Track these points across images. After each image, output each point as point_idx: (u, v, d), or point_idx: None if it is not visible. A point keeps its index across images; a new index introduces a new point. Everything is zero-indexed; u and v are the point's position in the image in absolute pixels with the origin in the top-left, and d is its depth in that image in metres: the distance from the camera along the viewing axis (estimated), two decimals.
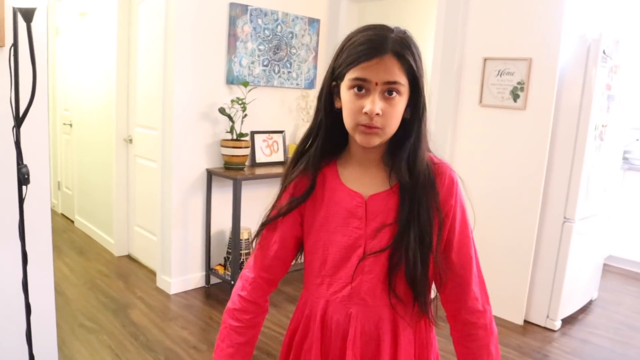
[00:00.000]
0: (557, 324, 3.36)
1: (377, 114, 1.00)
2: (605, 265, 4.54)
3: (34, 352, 1.98)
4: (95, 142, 4.56)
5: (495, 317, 3.45)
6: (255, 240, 1.21)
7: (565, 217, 3.25)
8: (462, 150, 3.57)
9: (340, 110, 1.08)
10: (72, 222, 5.11)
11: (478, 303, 1.11)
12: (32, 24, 1.78)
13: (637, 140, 4.99)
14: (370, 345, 1.09)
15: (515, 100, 3.25)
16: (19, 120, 1.88)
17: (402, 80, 1.01)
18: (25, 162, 1.90)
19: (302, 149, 1.16)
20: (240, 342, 1.17)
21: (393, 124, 1.03)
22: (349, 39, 1.05)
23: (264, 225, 1.18)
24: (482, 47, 3.41)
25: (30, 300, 1.94)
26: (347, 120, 1.05)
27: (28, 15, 1.75)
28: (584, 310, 3.73)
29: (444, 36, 3.52)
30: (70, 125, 4.96)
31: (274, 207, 1.17)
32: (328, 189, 1.13)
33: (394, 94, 1.01)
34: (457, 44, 3.50)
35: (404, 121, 1.07)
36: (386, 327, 1.09)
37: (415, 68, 1.03)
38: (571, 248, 3.24)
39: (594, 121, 3.16)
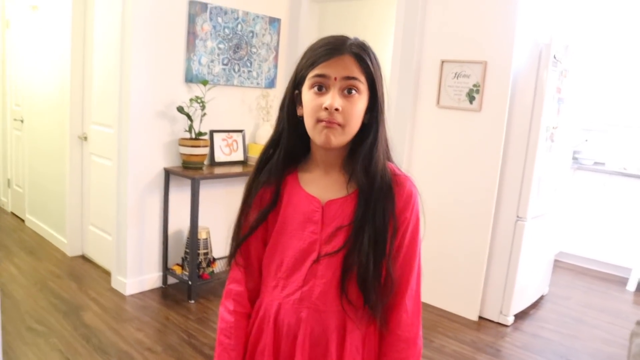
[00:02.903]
0: (510, 319, 3.47)
1: (337, 110, 1.02)
2: (556, 261, 4.72)
3: None
4: (48, 138, 4.42)
5: (450, 314, 3.55)
6: (232, 259, 1.21)
7: (517, 216, 3.35)
8: (420, 150, 3.64)
9: (302, 119, 1.10)
10: (23, 220, 4.94)
11: (407, 315, 1.13)
12: None
13: (586, 141, 5.20)
14: (318, 349, 1.10)
15: (471, 102, 3.34)
16: None
17: (361, 78, 1.05)
18: None
19: (265, 158, 1.17)
20: (238, 358, 1.18)
21: (353, 123, 1.05)
22: (310, 47, 1.10)
23: (240, 243, 1.18)
24: (439, 49, 3.48)
25: None
26: (308, 120, 1.07)
27: None
28: (535, 305, 3.86)
29: (402, 38, 3.57)
30: (22, 121, 4.80)
31: (240, 223, 1.18)
32: (287, 194, 1.15)
33: (353, 92, 1.04)
34: (416, 45, 3.56)
35: (363, 126, 1.09)
36: (335, 332, 1.10)
37: (372, 70, 1.06)
38: (523, 246, 3.35)
39: (545, 123, 3.27)
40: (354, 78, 1.04)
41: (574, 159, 4.94)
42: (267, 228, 1.17)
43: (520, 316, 3.61)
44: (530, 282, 3.63)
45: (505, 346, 3.19)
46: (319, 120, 1.05)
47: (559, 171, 3.76)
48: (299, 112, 1.12)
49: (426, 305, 3.65)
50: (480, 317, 3.53)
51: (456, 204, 3.48)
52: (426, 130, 3.60)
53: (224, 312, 1.21)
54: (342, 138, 1.06)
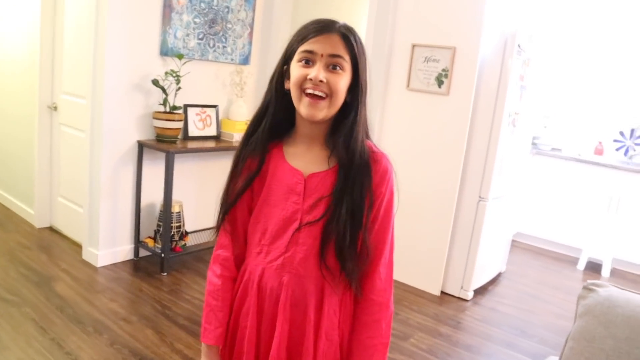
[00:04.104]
0: (470, 294, 3.67)
1: (321, 81, 1.11)
2: (513, 241, 4.96)
3: None
4: (14, 108, 4.33)
5: (415, 289, 3.71)
6: (219, 225, 1.28)
7: (480, 196, 3.53)
8: (389, 131, 3.76)
9: (289, 92, 1.18)
10: None
11: (380, 281, 1.22)
12: None
13: (545, 127, 5.43)
14: (298, 310, 1.20)
15: (439, 86, 3.47)
16: None
17: (345, 57, 1.14)
18: None
19: (252, 130, 1.25)
20: (225, 319, 1.26)
21: (336, 96, 1.14)
22: (302, 25, 1.18)
23: (228, 209, 1.25)
24: (411, 33, 3.59)
25: None
26: (294, 91, 1.15)
27: None
28: (493, 282, 4.08)
29: (375, 21, 3.66)
30: None
31: (228, 191, 1.26)
32: (272, 166, 1.23)
33: (338, 68, 1.14)
34: (388, 29, 3.65)
35: (345, 105, 1.18)
36: (314, 295, 1.20)
37: (356, 51, 1.16)
38: (484, 225, 3.54)
39: (508, 109, 3.44)
40: (338, 56, 1.13)
41: (533, 144, 5.17)
42: (253, 197, 1.25)
43: (480, 292, 3.82)
44: (489, 260, 3.84)
45: (465, 319, 3.38)
46: (303, 91, 1.13)
47: (519, 155, 3.95)
48: (286, 86, 1.20)
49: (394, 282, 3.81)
50: (442, 292, 3.72)
51: (422, 184, 3.63)
52: (396, 112, 3.73)
53: (212, 275, 1.29)
54: (326, 111, 1.14)
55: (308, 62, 1.14)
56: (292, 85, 1.16)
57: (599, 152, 5.08)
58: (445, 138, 3.51)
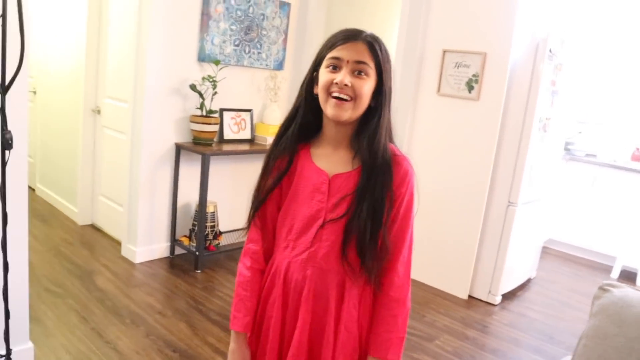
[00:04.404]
0: (498, 299, 3.68)
1: (346, 85, 1.20)
2: (544, 247, 4.93)
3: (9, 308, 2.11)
4: (61, 110, 4.57)
5: (442, 292, 3.74)
6: (250, 220, 1.37)
7: (509, 201, 3.54)
8: (419, 135, 3.81)
9: (317, 97, 1.27)
10: (33, 190, 5.11)
11: (398, 278, 1.29)
12: None
13: (580, 133, 5.37)
14: (320, 302, 1.28)
15: (469, 91, 3.50)
16: (4, 88, 1.97)
17: (370, 64, 1.22)
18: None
19: (283, 132, 1.35)
20: (253, 308, 1.35)
21: (360, 99, 1.22)
22: (331, 35, 1.27)
23: (259, 205, 1.35)
24: (442, 39, 3.64)
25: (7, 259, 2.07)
26: (321, 94, 1.24)
27: None
28: (522, 287, 4.08)
29: (407, 26, 3.73)
30: (34, 92, 4.94)
31: (259, 189, 1.35)
32: (300, 166, 1.32)
33: (362, 74, 1.22)
34: (420, 34, 3.71)
35: (370, 109, 1.26)
36: (335, 289, 1.28)
37: (381, 59, 1.23)
38: (513, 230, 3.55)
39: (538, 114, 3.44)
40: (363, 62, 1.21)
41: (567, 150, 5.13)
42: (282, 195, 1.34)
43: (508, 297, 3.82)
44: (518, 265, 3.84)
45: (492, 323, 3.40)
46: (330, 94, 1.22)
47: (551, 160, 3.94)
48: (315, 91, 1.28)
49: (419, 283, 3.86)
50: (469, 296, 3.74)
51: (451, 187, 3.66)
52: (426, 117, 3.78)
53: (242, 268, 1.38)
54: (350, 113, 1.23)
55: (335, 67, 1.22)
56: (319, 88, 1.25)
57: (636, 158, 4.99)
58: (475, 142, 3.54)
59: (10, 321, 2.12)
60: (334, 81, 1.21)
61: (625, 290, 1.39)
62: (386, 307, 1.29)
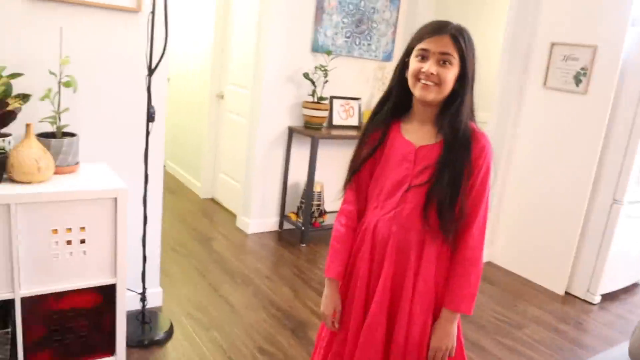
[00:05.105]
0: (597, 299, 3.61)
1: (432, 74, 1.39)
2: None
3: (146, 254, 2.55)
4: (189, 95, 5.12)
5: (538, 285, 3.77)
6: (347, 184, 1.60)
7: (614, 199, 3.46)
8: (525, 127, 3.82)
9: (407, 80, 1.47)
10: (164, 166, 5.75)
11: (473, 240, 1.45)
12: None
13: None
14: (402, 255, 1.48)
15: (577, 85, 3.47)
16: (151, 71, 2.38)
17: (454, 54, 1.40)
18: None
19: (378, 109, 1.57)
20: (345, 260, 1.59)
21: (444, 85, 1.40)
22: (420, 27, 1.46)
23: (355, 171, 1.57)
24: (550, 32, 3.63)
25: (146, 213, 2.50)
26: (410, 79, 1.44)
27: None
28: (627, 290, 3.93)
29: (515, 18, 3.74)
30: (168, 79, 5.54)
31: (357, 157, 1.57)
32: (391, 138, 1.53)
33: (447, 64, 1.40)
34: (528, 27, 3.72)
35: (453, 92, 1.44)
36: (415, 244, 1.46)
37: (464, 49, 1.40)
38: (617, 228, 3.46)
39: None
40: (448, 53, 1.39)
41: None
42: (374, 163, 1.56)
43: (609, 297, 3.72)
44: (622, 266, 3.72)
45: (587, 321, 3.36)
46: (418, 80, 1.42)
47: None
48: (406, 75, 1.48)
49: (514, 275, 3.89)
50: (566, 292, 3.70)
51: (554, 181, 3.65)
52: (531, 109, 3.78)
53: (338, 224, 1.61)
54: (435, 95, 1.41)
55: (423, 58, 1.42)
56: (409, 74, 1.45)
57: None
58: (580, 136, 3.49)
59: (146, 265, 2.56)
60: (422, 70, 1.40)
61: None
62: (461, 265, 1.46)
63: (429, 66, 1.39)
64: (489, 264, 4.04)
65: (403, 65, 1.50)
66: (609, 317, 3.46)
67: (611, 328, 3.30)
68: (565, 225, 3.61)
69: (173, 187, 5.15)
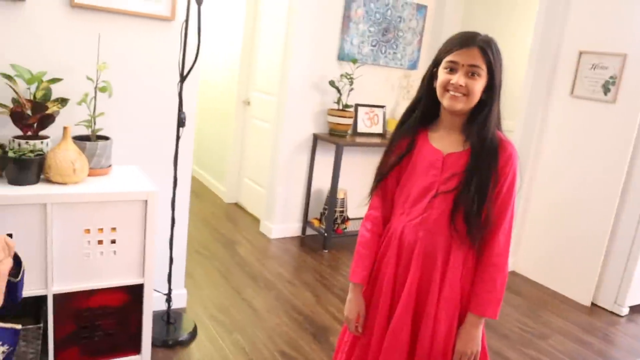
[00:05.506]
0: (625, 310, 3.55)
1: (461, 86, 1.41)
2: None
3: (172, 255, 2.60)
4: (216, 101, 5.21)
5: (563, 296, 3.72)
6: (373, 190, 1.62)
7: None
8: (551, 136, 3.79)
9: (435, 89, 1.50)
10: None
11: (499, 246, 1.47)
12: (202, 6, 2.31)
13: None
14: (429, 261, 1.49)
15: (605, 94, 3.43)
16: (183, 77, 2.44)
17: (482, 66, 1.42)
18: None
19: (406, 117, 1.60)
20: (370, 265, 1.61)
21: (472, 95, 1.43)
22: (449, 38, 1.49)
23: (382, 177, 1.59)
24: (578, 40, 3.60)
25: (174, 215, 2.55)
26: (439, 89, 1.47)
27: None
28: None
29: (543, 27, 3.73)
30: None
31: (385, 163, 1.59)
32: (419, 146, 1.55)
33: (475, 75, 1.42)
34: (555, 35, 3.70)
35: (481, 101, 1.46)
36: (442, 250, 1.48)
37: (492, 61, 1.42)
38: None
39: None
40: (476, 66, 1.41)
41: None
42: (401, 170, 1.58)
43: (637, 310, 3.65)
44: None
45: (614, 333, 3.31)
46: (447, 91, 1.44)
47: None
48: (435, 85, 1.51)
49: (539, 285, 3.85)
50: (592, 304, 3.65)
51: (581, 190, 3.61)
52: (558, 118, 3.75)
53: (363, 230, 1.64)
54: (463, 105, 1.43)
55: (452, 70, 1.44)
56: (438, 85, 1.47)
57: None
58: (608, 145, 3.45)
59: (172, 267, 2.61)
60: (451, 82, 1.42)
61: None
62: (487, 271, 1.48)
63: (458, 78, 1.41)
64: (512, 273, 4.01)
65: (431, 75, 1.52)
66: (637, 329, 3.40)
67: (639, 340, 3.25)
68: (592, 235, 3.57)
69: (198, 191, 5.23)
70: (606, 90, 3.44)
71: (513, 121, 3.85)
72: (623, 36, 3.36)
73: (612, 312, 3.58)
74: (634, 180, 3.43)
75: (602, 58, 3.45)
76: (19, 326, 1.30)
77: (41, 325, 2.01)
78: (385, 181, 1.60)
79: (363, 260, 1.61)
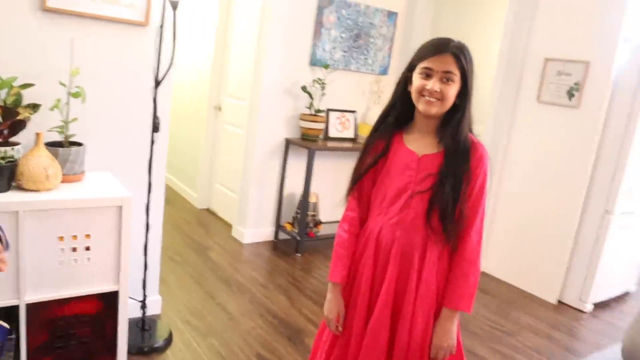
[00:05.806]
0: (589, 307, 3.68)
1: (436, 91, 1.46)
2: None
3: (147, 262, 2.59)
4: (188, 106, 5.18)
5: (530, 295, 3.82)
6: (349, 192, 1.66)
7: (606, 210, 3.54)
8: (519, 140, 3.91)
9: (410, 94, 1.54)
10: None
11: (472, 243, 1.53)
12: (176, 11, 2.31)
13: None
14: (406, 259, 1.54)
15: (570, 99, 3.56)
16: (158, 83, 2.44)
17: (456, 72, 1.48)
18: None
19: (382, 121, 1.64)
20: (348, 263, 1.64)
21: (446, 101, 1.49)
22: (423, 44, 1.54)
23: (358, 179, 1.63)
24: (544, 47, 3.73)
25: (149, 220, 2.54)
26: (414, 95, 1.52)
27: (174, 3, 2.28)
28: (619, 299, 4.01)
29: (511, 34, 3.85)
30: None
31: (361, 165, 1.64)
32: (394, 148, 1.60)
33: (449, 81, 1.48)
34: (522, 43, 3.82)
35: (454, 106, 1.51)
36: (419, 248, 1.54)
37: (465, 67, 1.48)
38: (608, 238, 3.54)
39: None
40: (450, 72, 1.47)
41: None
42: (376, 172, 1.62)
43: (601, 306, 3.80)
44: (613, 275, 3.80)
45: (579, 328, 3.43)
46: (422, 95, 1.49)
47: None
48: (409, 89, 1.56)
49: (508, 284, 3.96)
50: (559, 301, 3.77)
51: (547, 192, 3.73)
52: (525, 123, 3.87)
53: (341, 231, 1.67)
54: (437, 109, 1.49)
55: (427, 75, 1.49)
56: (413, 90, 1.52)
57: None
58: (573, 149, 3.59)
59: (146, 273, 2.60)
60: (426, 87, 1.48)
61: None
62: (460, 266, 1.54)
63: (433, 84, 1.47)
64: (482, 273, 4.09)
65: (405, 79, 1.57)
66: (600, 324, 3.53)
67: (602, 335, 3.37)
68: (558, 236, 3.69)
69: (169, 197, 5.18)
70: (570, 95, 3.56)
71: (482, 126, 3.96)
72: (586, 44, 3.50)
73: (577, 309, 3.70)
74: (597, 182, 3.57)
75: (567, 65, 3.58)
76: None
77: (13, 336, 1.97)
78: (362, 182, 1.64)
79: (342, 260, 1.64)
